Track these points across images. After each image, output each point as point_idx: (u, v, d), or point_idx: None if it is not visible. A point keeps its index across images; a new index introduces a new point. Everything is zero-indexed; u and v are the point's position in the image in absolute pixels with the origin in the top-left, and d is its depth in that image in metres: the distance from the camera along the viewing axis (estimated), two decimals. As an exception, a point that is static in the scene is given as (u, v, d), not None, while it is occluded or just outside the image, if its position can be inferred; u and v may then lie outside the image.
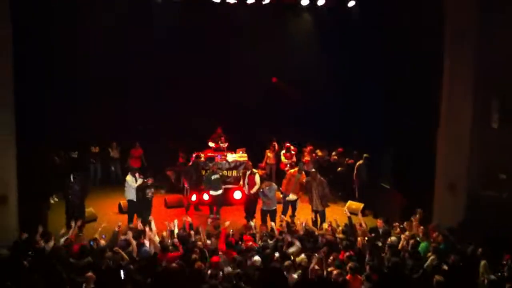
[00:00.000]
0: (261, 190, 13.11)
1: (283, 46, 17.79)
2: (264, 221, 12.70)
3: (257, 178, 13.68)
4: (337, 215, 12.79)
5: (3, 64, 10.76)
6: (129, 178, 13.07)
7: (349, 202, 14.61)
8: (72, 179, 12.83)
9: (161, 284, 7.97)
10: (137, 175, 13.03)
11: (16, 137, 11.06)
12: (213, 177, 13.98)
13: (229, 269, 8.62)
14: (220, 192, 14.06)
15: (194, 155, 15.23)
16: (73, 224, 10.81)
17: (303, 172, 13.63)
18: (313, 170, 13.75)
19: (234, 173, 15.39)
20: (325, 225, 11.80)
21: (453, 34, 12.00)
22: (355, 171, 15.22)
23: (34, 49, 12.77)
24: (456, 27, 11.92)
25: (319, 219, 12.96)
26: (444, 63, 12.19)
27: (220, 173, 14.40)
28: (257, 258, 8.83)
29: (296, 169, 13.65)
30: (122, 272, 8.06)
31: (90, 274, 7.77)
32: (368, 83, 15.87)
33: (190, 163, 15.06)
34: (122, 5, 15.62)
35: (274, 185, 13.31)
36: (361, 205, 13.96)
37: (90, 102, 16.37)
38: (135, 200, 12.96)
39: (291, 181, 13.31)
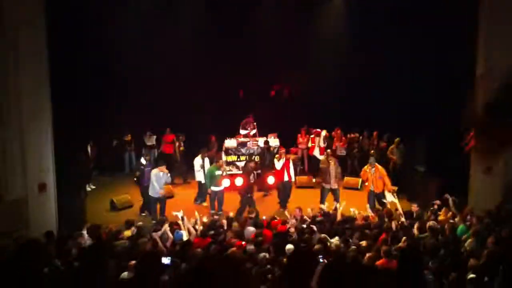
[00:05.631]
0: (155, 173, 12.71)
1: (314, 36, 17.69)
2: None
3: (291, 164, 13.96)
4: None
5: (40, 58, 10.94)
6: (197, 160, 13.90)
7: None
8: (144, 161, 13.33)
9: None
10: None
11: (53, 126, 11.24)
12: (217, 172, 13.36)
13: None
14: (221, 188, 13.43)
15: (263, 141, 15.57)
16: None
17: (376, 164, 13.07)
18: (328, 150, 14.01)
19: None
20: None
21: (489, 17, 11.72)
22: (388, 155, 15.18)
23: (70, 45, 12.93)
24: (491, 16, 11.64)
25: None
26: (477, 47, 11.93)
27: (223, 170, 13.56)
28: (290, 246, 8.78)
29: (367, 165, 13.16)
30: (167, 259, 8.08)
31: (132, 262, 7.86)
32: (402, 68, 15.63)
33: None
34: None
35: (161, 173, 12.70)
36: (394, 188, 13.85)
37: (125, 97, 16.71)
38: (203, 181, 13.64)
39: (370, 176, 12.96)
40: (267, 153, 15.34)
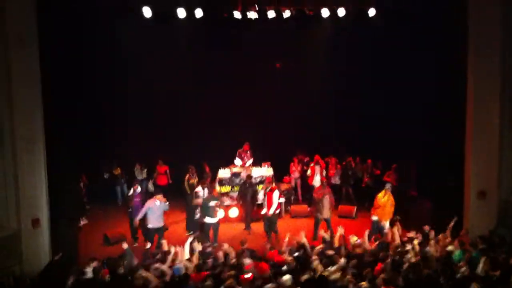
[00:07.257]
0: (150, 203, 12.44)
1: (306, 57, 17.78)
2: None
3: (275, 195, 13.33)
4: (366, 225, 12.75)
5: (35, 92, 10.95)
6: (199, 189, 13.68)
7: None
8: (131, 191, 13.32)
9: None
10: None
11: (46, 160, 11.17)
12: (210, 203, 13.03)
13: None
14: (215, 220, 13.09)
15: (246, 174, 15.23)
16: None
17: (390, 193, 12.80)
18: (324, 180, 13.99)
19: (260, 187, 15.19)
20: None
21: (477, 40, 11.90)
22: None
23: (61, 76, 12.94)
24: (480, 34, 11.81)
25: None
26: (468, 68, 12.11)
27: (218, 201, 13.27)
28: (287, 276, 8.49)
29: (383, 191, 12.81)
30: None
31: None
32: (392, 92, 15.77)
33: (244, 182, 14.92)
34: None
35: (157, 202, 12.42)
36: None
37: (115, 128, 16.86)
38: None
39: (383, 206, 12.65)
40: (248, 186, 14.57)
